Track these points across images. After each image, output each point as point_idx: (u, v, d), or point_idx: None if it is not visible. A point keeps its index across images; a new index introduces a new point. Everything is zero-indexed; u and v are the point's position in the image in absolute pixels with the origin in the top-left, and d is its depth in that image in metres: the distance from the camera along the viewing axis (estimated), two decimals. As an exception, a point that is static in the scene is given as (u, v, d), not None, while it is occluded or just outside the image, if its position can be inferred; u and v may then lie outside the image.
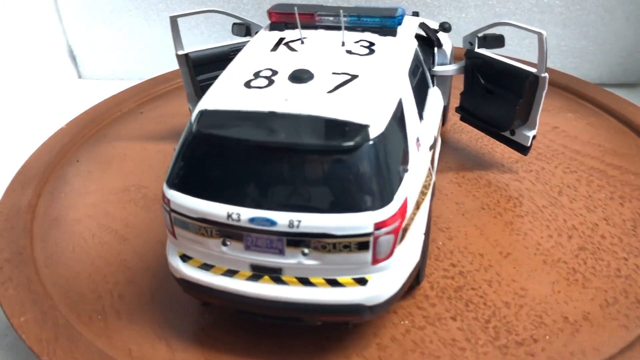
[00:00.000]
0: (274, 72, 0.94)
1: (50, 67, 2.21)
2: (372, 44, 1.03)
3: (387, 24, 1.07)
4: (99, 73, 2.28)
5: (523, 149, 1.29)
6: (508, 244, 1.16)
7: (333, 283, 0.84)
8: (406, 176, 0.85)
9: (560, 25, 2.02)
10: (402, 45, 1.06)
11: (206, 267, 0.89)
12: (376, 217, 0.79)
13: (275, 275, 0.85)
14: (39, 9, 2.13)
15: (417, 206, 0.90)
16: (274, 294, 0.85)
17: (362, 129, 0.81)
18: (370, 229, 0.79)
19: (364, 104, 0.85)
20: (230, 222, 0.82)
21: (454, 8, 2.02)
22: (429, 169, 1.00)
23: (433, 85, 1.18)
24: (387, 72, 0.94)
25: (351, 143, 0.80)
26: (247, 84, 0.91)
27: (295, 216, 0.80)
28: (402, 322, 0.99)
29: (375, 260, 0.82)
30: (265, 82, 0.91)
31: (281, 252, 0.83)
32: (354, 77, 0.91)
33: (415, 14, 1.41)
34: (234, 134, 0.83)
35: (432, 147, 1.06)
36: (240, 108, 0.86)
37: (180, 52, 1.31)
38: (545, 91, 1.19)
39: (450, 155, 1.44)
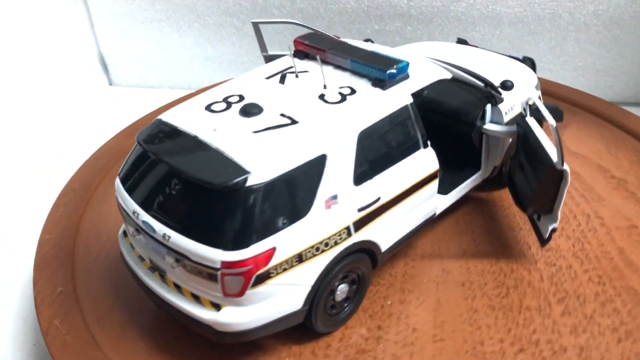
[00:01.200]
0: (240, 99, 1.02)
1: (81, 74, 2.22)
2: (352, 92, 1.03)
3: (376, 75, 1.05)
4: (130, 81, 2.28)
5: (541, 239, 1.16)
6: (450, 330, 1.05)
7: (196, 298, 0.94)
8: (288, 229, 0.90)
9: (597, 44, 1.99)
10: (378, 101, 1.03)
11: (131, 246, 1.05)
12: (224, 257, 0.86)
13: (162, 274, 0.98)
14: (71, 18, 2.15)
15: (301, 259, 0.93)
16: (158, 290, 0.98)
17: (242, 174, 0.87)
18: (217, 265, 0.86)
19: (268, 152, 0.90)
20: (133, 217, 0.95)
21: (488, 25, 1.99)
22: (346, 228, 0.98)
23: (425, 147, 1.10)
24: (328, 125, 0.96)
25: (226, 184, 0.86)
26: (209, 106, 1.01)
27: (168, 231, 0.90)
28: (286, 359, 1.01)
29: (225, 294, 0.89)
30: (224, 107, 1.00)
31: (163, 257, 0.93)
32: (293, 122, 0.95)
33: (462, 41, 1.39)
34: (152, 146, 0.95)
35: (388, 206, 1.05)
36: (179, 125, 0.97)
37: (264, 54, 1.37)
38: (567, 185, 1.04)
39: (480, 216, 1.32)
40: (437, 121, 1.23)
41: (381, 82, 1.04)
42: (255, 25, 1.34)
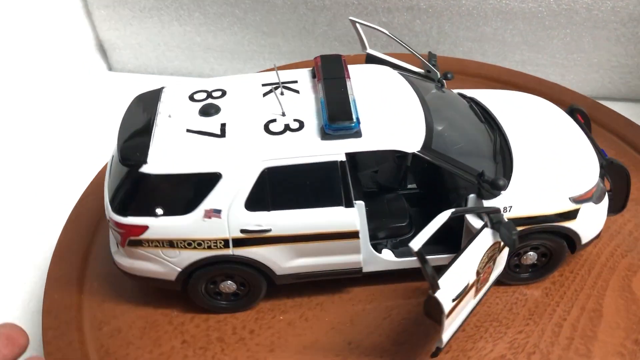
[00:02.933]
0: (221, 95, 1.19)
1: (80, 60, 2.19)
2: (299, 128, 1.10)
3: (324, 122, 1.09)
4: (129, 67, 2.24)
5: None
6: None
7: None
8: (164, 218, 1.09)
9: (614, 40, 1.90)
10: (307, 147, 1.08)
11: None
12: (112, 215, 1.11)
13: None
14: (69, 5, 2.11)
15: (172, 245, 1.12)
16: None
17: (141, 161, 1.07)
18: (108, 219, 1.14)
19: (178, 152, 1.08)
20: None
21: (501, 20, 1.91)
22: (224, 240, 1.12)
23: (348, 206, 1.11)
24: (241, 151, 1.08)
25: (125, 162, 1.09)
26: (194, 94, 1.20)
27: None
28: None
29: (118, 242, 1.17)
30: (202, 97, 1.18)
31: None
32: (221, 135, 1.10)
33: (444, 77, 1.33)
34: (127, 111, 1.22)
35: (285, 240, 1.13)
36: (160, 102, 1.19)
37: (365, 51, 1.41)
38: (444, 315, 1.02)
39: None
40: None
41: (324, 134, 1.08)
42: (353, 23, 1.39)
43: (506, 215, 1.12)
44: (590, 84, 2.02)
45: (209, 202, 1.09)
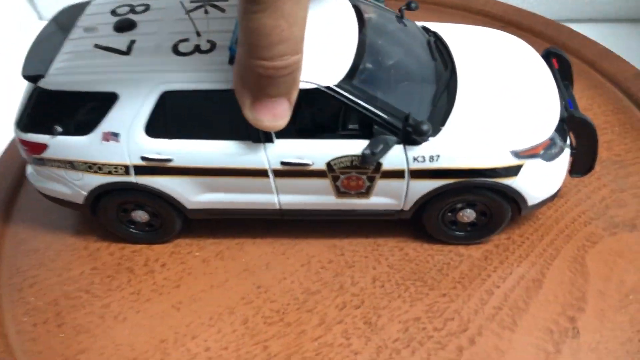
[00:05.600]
0: (144, 10, 1.11)
1: (7, 11, 2.04)
2: (209, 50, 1.01)
3: (230, 45, 0.98)
4: None
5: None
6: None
7: None
8: (63, 138, 1.04)
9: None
10: (213, 70, 0.98)
11: None
12: (15, 131, 1.08)
13: None
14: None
15: (73, 167, 1.08)
16: None
17: (40, 74, 1.01)
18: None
19: (76, 69, 1.01)
20: None
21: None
22: (124, 166, 1.06)
23: (256, 141, 1.02)
24: (142, 72, 1.01)
25: (25, 74, 1.03)
26: (115, 9, 1.12)
27: None
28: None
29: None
30: (125, 11, 1.11)
31: None
32: (127, 53, 1.02)
33: (407, 7, 1.18)
34: (49, 23, 1.16)
35: (191, 172, 1.06)
36: (81, 16, 1.13)
37: None
38: None
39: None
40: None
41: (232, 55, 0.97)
42: None
43: (433, 165, 1.00)
44: (554, 7, 1.80)
45: (106, 124, 1.02)
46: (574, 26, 1.55)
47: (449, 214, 1.08)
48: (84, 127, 1.03)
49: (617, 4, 1.77)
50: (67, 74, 1.01)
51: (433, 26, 1.21)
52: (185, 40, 1.02)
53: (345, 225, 1.15)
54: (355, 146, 0.99)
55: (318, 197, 1.07)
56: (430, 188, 1.03)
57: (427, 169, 1.00)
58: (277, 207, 1.08)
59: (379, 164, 1.00)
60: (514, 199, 1.04)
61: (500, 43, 1.20)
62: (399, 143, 0.99)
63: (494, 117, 1.03)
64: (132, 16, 1.09)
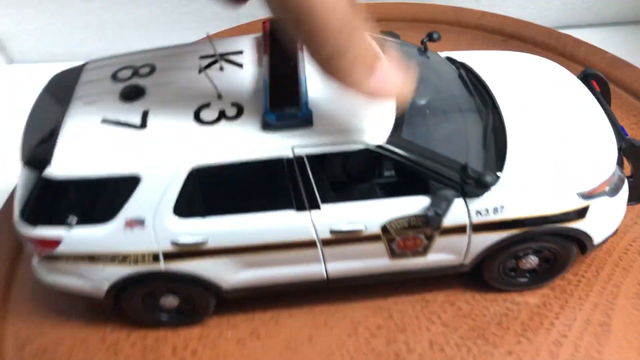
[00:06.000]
0: (150, 73, 0.98)
1: None
2: (236, 116, 0.89)
3: (264, 110, 0.87)
4: (33, 56, 1.96)
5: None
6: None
7: None
8: (79, 229, 0.92)
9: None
10: (246, 141, 0.87)
11: None
12: (18, 225, 0.93)
13: None
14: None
15: (94, 260, 0.95)
16: None
17: (45, 162, 0.88)
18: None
19: (87, 150, 0.89)
20: None
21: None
22: (152, 255, 0.95)
23: (300, 209, 0.92)
24: (165, 148, 0.89)
25: (27, 163, 0.91)
26: (116, 73, 0.99)
27: None
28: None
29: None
30: (127, 75, 0.98)
31: None
32: (142, 126, 0.90)
33: (429, 38, 1.09)
34: (40, 96, 1.03)
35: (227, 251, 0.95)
36: (79, 83, 1.00)
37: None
38: None
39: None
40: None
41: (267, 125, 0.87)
42: None
43: (497, 217, 0.91)
44: (552, 14, 1.78)
45: (129, 210, 0.90)
46: (573, 32, 1.50)
47: (512, 261, 1.00)
48: (103, 215, 0.91)
49: (615, 7, 1.74)
50: (75, 158, 0.88)
51: (457, 56, 1.12)
52: (207, 105, 0.91)
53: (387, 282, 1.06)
54: (412, 205, 0.91)
55: (370, 261, 0.97)
56: (494, 240, 0.94)
57: (491, 222, 0.92)
58: (324, 276, 0.99)
59: None
60: (581, 240, 0.96)
61: (534, 68, 1.12)
62: (458, 196, 0.90)
63: (552, 156, 0.95)
64: (137, 80, 0.96)
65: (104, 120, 0.91)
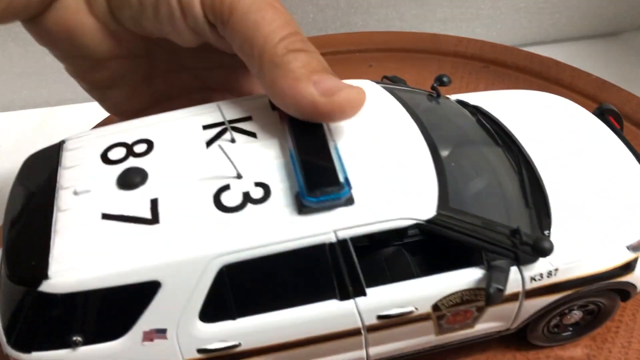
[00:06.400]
0: (146, 152, 0.82)
1: None
2: (263, 198, 0.76)
3: (300, 189, 0.75)
4: None
5: None
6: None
7: None
8: (86, 349, 0.76)
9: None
10: (280, 227, 0.74)
11: None
12: (10, 352, 0.77)
13: None
14: None
15: None
16: None
17: (40, 276, 0.72)
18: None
19: (91, 256, 0.73)
20: None
21: None
22: None
23: (344, 299, 0.80)
24: (184, 244, 0.74)
25: (17, 281, 0.74)
26: (107, 151, 0.83)
27: None
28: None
29: None
30: (121, 156, 0.82)
31: None
32: (154, 221, 0.75)
33: (439, 82, 1.00)
34: (13, 190, 0.86)
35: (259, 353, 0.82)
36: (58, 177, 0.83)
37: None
38: None
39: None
40: None
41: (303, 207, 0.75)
42: None
43: (551, 281, 0.84)
44: (518, 32, 1.81)
45: (147, 320, 0.75)
46: (539, 49, 1.48)
47: (557, 318, 0.92)
48: (116, 329, 0.76)
49: (579, 23, 1.77)
50: (77, 267, 0.72)
51: (465, 98, 1.04)
52: (226, 188, 0.76)
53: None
54: (464, 278, 0.81)
55: (415, 340, 0.87)
56: (545, 304, 0.87)
57: (545, 286, 0.84)
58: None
59: None
60: (626, 290, 0.91)
61: (549, 108, 1.06)
62: (513, 265, 0.82)
63: (594, 207, 0.89)
64: (134, 162, 0.81)
65: (105, 216, 0.76)
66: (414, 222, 0.76)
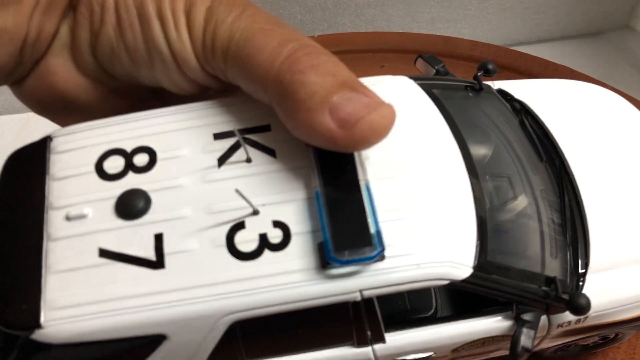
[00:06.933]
0: (148, 167, 0.73)
1: None
2: (282, 244, 0.68)
3: (325, 244, 0.67)
4: None
5: None
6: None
7: None
8: None
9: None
10: (301, 282, 0.67)
11: None
12: None
13: None
14: None
15: None
16: None
17: (31, 323, 0.66)
18: None
19: (88, 303, 0.67)
20: None
21: None
22: None
23: (361, 345, 0.76)
24: (194, 297, 0.67)
25: (12, 328, 0.68)
26: (100, 164, 0.74)
27: None
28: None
29: None
30: (118, 170, 0.73)
31: None
32: (158, 265, 0.68)
33: (485, 71, 0.92)
34: None
35: None
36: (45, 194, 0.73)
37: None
38: None
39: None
40: None
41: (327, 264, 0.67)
42: None
43: (577, 326, 0.81)
44: (504, 32, 1.84)
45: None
46: (525, 48, 1.50)
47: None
48: None
49: (563, 22, 1.78)
50: (75, 317, 0.65)
51: (508, 87, 0.94)
52: (241, 226, 0.69)
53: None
54: (489, 327, 0.78)
55: None
56: (565, 341, 0.86)
57: (569, 330, 0.82)
58: None
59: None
60: None
61: (602, 107, 0.94)
62: (542, 314, 0.77)
63: (632, 245, 0.82)
64: (134, 179, 0.72)
65: (104, 253, 0.68)
66: (447, 282, 0.70)
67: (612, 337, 0.92)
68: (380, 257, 0.67)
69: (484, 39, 1.56)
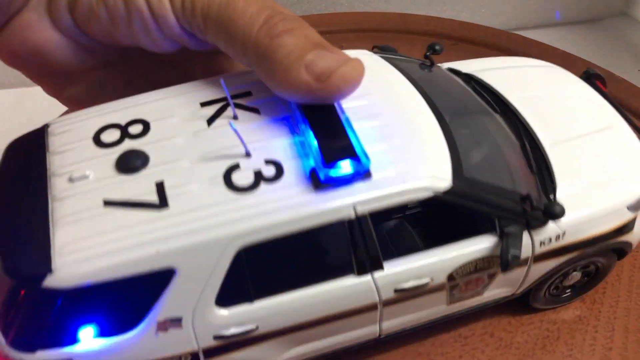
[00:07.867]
0: (142, 133, 0.79)
1: None
2: (276, 176, 0.74)
3: (314, 166, 0.74)
4: None
5: None
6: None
7: None
8: (95, 342, 0.73)
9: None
10: (297, 204, 0.73)
11: None
12: (10, 353, 0.73)
13: None
14: None
15: None
16: None
17: (43, 270, 0.68)
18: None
19: (97, 246, 0.69)
20: None
21: None
22: (191, 354, 0.80)
23: (361, 273, 0.81)
24: (199, 228, 0.71)
25: (15, 277, 0.70)
26: (99, 133, 0.79)
27: None
28: None
29: None
30: (115, 139, 0.78)
31: None
32: (161, 206, 0.71)
33: (432, 51, 1.03)
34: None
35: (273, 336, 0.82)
36: (47, 163, 0.78)
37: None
38: None
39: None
40: None
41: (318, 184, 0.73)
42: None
43: (558, 244, 0.87)
44: (503, 16, 1.86)
45: (161, 310, 0.73)
46: (523, 33, 1.53)
47: (557, 282, 0.96)
48: (127, 321, 0.73)
49: (561, 8, 1.81)
50: (83, 258, 0.68)
51: (455, 66, 1.06)
52: (236, 167, 0.74)
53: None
54: (478, 246, 0.84)
55: (427, 311, 0.89)
56: (551, 267, 0.90)
57: (552, 250, 0.87)
58: (377, 334, 0.89)
59: None
60: (625, 250, 0.95)
61: (539, 73, 1.07)
62: (524, 229, 0.84)
63: (594, 171, 0.91)
64: (131, 144, 0.77)
65: (108, 202, 0.71)
66: (431, 194, 0.76)
67: (593, 270, 0.97)
68: (367, 174, 0.74)
69: (483, 24, 1.58)
